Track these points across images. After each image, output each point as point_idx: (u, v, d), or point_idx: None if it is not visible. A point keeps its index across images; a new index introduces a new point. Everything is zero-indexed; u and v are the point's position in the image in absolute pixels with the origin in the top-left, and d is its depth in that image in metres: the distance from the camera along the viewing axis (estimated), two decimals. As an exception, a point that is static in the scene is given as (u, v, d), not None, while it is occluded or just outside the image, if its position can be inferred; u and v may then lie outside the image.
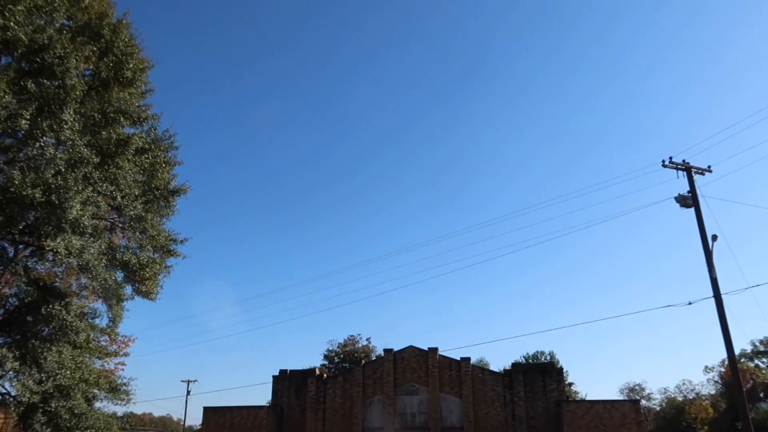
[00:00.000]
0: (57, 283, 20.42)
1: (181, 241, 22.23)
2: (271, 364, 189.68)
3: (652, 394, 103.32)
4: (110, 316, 20.86)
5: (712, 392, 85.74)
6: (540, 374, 39.90)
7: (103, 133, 16.27)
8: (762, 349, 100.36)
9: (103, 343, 23.89)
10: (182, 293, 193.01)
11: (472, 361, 42.19)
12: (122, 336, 23.08)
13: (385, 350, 42.52)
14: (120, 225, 20.57)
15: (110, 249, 18.83)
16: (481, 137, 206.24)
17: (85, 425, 17.32)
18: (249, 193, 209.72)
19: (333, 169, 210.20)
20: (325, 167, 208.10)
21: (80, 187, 14.78)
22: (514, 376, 39.80)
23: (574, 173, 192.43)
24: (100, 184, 15.87)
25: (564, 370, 39.80)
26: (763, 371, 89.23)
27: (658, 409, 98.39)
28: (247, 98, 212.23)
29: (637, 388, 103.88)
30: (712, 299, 17.34)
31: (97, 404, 20.29)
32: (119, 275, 19.84)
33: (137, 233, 19.56)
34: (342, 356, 71.94)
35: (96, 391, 19.45)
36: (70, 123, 14.69)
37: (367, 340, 74.23)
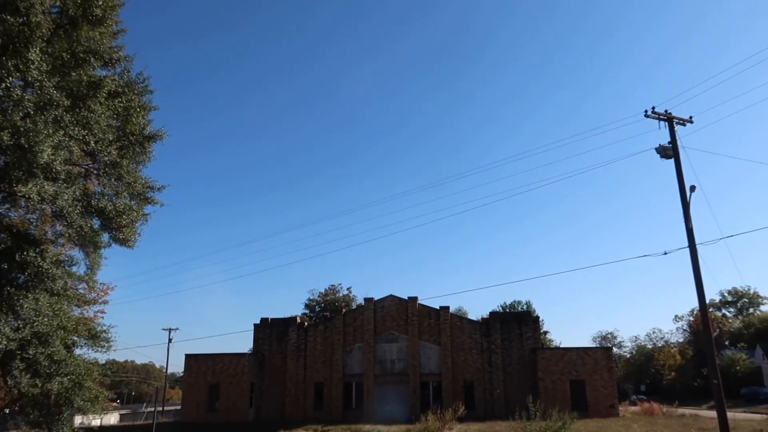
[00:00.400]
0: (31, 231, 19.99)
1: (159, 189, 21.72)
2: (252, 313, 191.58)
3: (623, 342, 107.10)
4: (87, 264, 20.55)
5: (681, 340, 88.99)
6: (517, 322, 40.86)
7: (73, 74, 15.59)
8: (729, 299, 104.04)
9: (82, 291, 23.66)
10: (164, 242, 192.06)
11: (451, 310, 43.00)
12: (100, 284, 22.81)
13: (365, 299, 43.05)
14: (95, 171, 20.01)
15: (85, 196, 18.37)
16: (478, 96, 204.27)
17: (65, 371, 17.28)
18: (237, 147, 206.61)
19: (324, 123, 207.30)
20: (316, 122, 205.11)
21: (51, 131, 14.23)
22: (491, 324, 40.70)
23: (554, 126, 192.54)
24: (72, 127, 15.31)
25: (540, 319, 40.87)
26: (729, 320, 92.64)
27: (628, 356, 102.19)
28: (242, 49, 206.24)
29: (609, 336, 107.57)
30: (687, 249, 17.62)
31: (78, 351, 20.23)
32: (95, 223, 19.52)
33: (113, 180, 19.07)
34: (323, 305, 72.76)
35: (75, 338, 19.35)
36: (37, 63, 14.02)
37: (347, 289, 74.98)
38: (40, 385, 16.28)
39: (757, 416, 37.49)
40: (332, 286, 75.57)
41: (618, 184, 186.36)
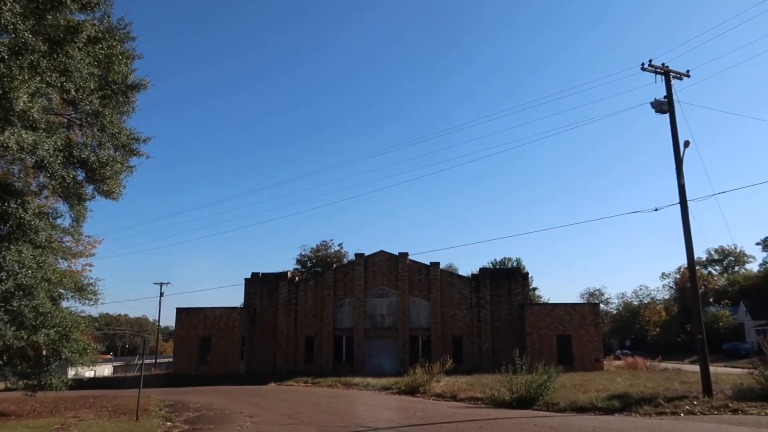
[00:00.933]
0: (14, 182, 19.57)
1: (144, 140, 21.31)
2: (245, 270, 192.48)
3: (610, 298, 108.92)
4: (73, 216, 20.27)
5: (666, 297, 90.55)
6: (506, 279, 41.21)
7: (49, 17, 14.92)
8: (716, 257, 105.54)
9: (68, 244, 23.38)
10: (155, 194, 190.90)
11: (441, 266, 43.23)
12: (86, 236, 22.48)
13: (356, 254, 43.15)
14: (78, 122, 19.49)
15: (68, 146, 17.93)
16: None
17: (51, 323, 17.19)
18: (226, 100, 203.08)
19: (316, 78, 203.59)
20: (307, 77, 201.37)
21: (26, 77, 13.69)
22: (481, 280, 41.04)
23: (549, 78, 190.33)
24: (49, 74, 14.72)
25: (529, 276, 41.11)
26: (715, 278, 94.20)
27: (614, 312, 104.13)
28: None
29: (596, 293, 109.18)
30: (678, 206, 17.53)
31: (65, 304, 20.10)
32: (79, 174, 19.16)
33: (95, 130, 18.58)
34: (314, 261, 73.18)
35: (62, 290, 19.20)
36: (10, 4, 13.37)
37: (339, 245, 75.30)
38: (25, 338, 16.20)
39: (738, 370, 38.42)
40: (324, 242, 75.86)
41: (606, 139, 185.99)
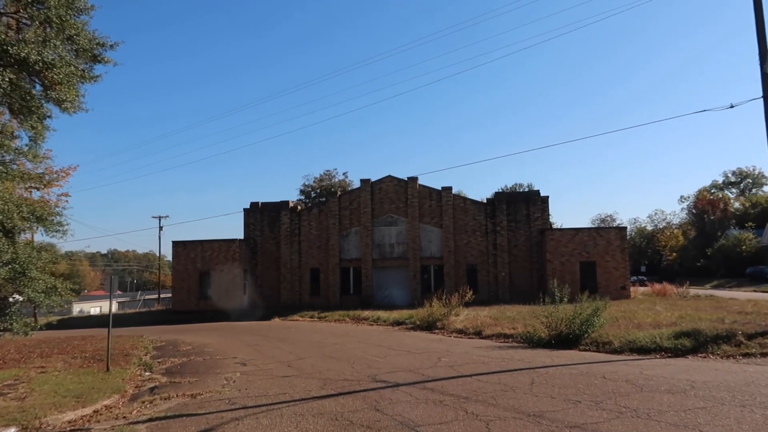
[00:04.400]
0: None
1: (111, 46, 18.00)
2: (245, 200, 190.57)
3: (622, 224, 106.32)
4: (30, 135, 17.13)
5: (684, 221, 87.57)
6: (524, 202, 38.13)
7: None
8: (733, 179, 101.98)
9: (30, 167, 20.25)
10: (148, 116, 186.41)
11: (453, 192, 40.10)
12: (43, 156, 19.37)
13: (362, 180, 39.97)
14: (14, 16, 15.97)
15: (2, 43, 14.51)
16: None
17: (4, 260, 14.38)
18: (219, 15, 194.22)
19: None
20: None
21: None
22: (496, 205, 38.01)
23: None
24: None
25: (548, 198, 37.94)
26: (732, 201, 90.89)
27: (628, 238, 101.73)
28: None
29: (608, 218, 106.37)
30: (762, 100, 14.07)
31: (40, 239, 17.18)
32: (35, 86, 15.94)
33: (36, 23, 15.11)
34: (318, 191, 70.28)
35: (17, 222, 16.28)
36: None
37: (343, 174, 72.29)
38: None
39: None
40: (328, 171, 72.74)
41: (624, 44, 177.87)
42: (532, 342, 15.26)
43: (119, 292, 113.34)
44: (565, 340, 14.62)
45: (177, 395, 10.06)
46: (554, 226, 71.94)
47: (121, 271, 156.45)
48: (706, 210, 76.33)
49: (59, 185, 26.09)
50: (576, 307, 15.25)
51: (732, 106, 14.34)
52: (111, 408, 9.44)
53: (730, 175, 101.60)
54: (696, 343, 12.48)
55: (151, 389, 11.39)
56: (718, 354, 11.80)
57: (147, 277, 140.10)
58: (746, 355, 11.50)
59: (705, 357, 11.76)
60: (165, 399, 9.84)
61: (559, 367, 10.80)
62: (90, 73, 18.69)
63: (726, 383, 8.54)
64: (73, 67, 16.05)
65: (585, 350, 13.69)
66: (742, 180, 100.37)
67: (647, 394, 7.99)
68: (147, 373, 13.84)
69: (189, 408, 8.89)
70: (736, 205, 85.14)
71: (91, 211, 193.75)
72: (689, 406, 7.17)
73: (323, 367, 12.38)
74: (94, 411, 9.23)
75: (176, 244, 40.40)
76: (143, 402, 9.74)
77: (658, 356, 12.15)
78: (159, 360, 16.04)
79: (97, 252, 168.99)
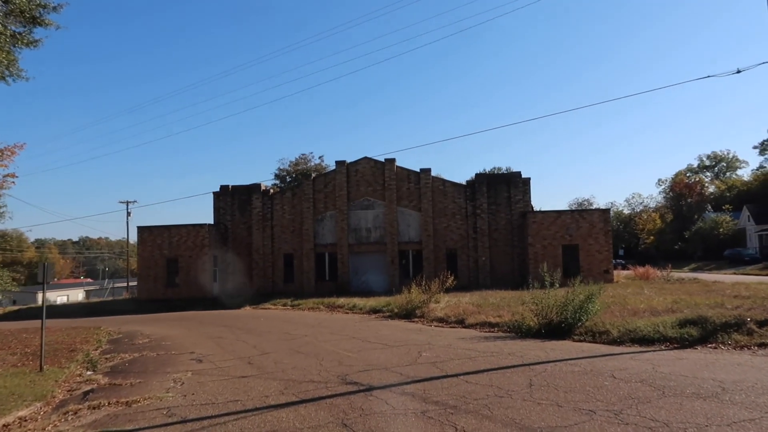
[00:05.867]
0: None
1: (55, 8, 16.23)
2: (216, 184, 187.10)
3: (599, 207, 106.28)
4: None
5: (660, 204, 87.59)
6: (505, 184, 36.85)
7: None
8: (708, 163, 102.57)
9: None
10: (103, 95, 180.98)
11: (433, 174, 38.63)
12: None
13: (337, 162, 38.25)
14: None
15: None
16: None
17: None
18: None
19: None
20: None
21: None
22: (477, 187, 36.66)
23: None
24: None
25: (530, 181, 36.70)
26: (707, 184, 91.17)
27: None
28: None
29: (585, 202, 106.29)
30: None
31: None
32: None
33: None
34: (294, 175, 68.35)
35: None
36: None
37: (319, 158, 70.47)
38: None
39: (758, 278, 35.47)
40: (303, 155, 70.85)
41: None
42: (521, 332, 13.94)
43: (89, 280, 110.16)
44: (556, 329, 13.33)
45: (110, 403, 8.46)
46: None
47: (93, 258, 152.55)
48: (684, 193, 76.26)
49: (4, 165, 23.76)
50: (567, 292, 13.96)
51: (739, 71, 13.04)
52: (25, 421, 7.81)
53: (704, 159, 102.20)
54: (703, 332, 11.25)
55: (85, 394, 9.76)
56: (729, 344, 10.59)
57: (120, 264, 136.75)
58: (762, 345, 10.30)
59: (715, 348, 10.53)
60: (94, 408, 8.24)
61: (557, 363, 9.43)
62: (29, 36, 16.87)
63: (762, 384, 7.25)
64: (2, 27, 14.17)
65: (580, 341, 12.41)
66: (717, 164, 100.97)
67: (672, 399, 6.64)
68: (89, 373, 12.19)
69: (118, 421, 7.32)
70: (711, 188, 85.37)
71: (61, 196, 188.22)
72: (732, 416, 5.82)
73: (288, 364, 10.87)
74: (3, 425, 7.60)
75: (142, 230, 38.34)
76: (66, 413, 8.11)
77: (663, 347, 10.89)
78: (108, 356, 14.37)
79: (69, 239, 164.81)
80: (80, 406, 8.46)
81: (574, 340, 12.53)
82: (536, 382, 7.87)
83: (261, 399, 7.88)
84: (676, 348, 10.75)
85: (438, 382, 8.30)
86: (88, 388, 10.36)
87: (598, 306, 13.96)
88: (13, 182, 24.44)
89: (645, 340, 11.40)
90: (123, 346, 16.23)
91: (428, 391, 7.66)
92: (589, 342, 12.12)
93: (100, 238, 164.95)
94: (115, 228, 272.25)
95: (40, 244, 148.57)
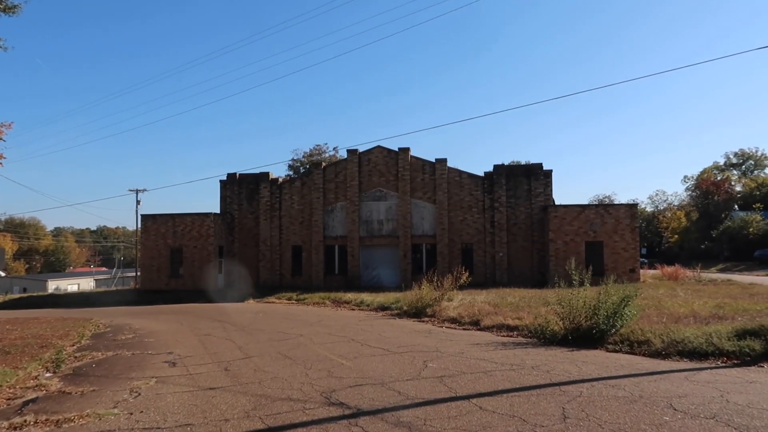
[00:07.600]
0: None
1: None
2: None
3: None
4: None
5: (685, 202, 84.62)
6: (525, 177, 34.85)
7: None
8: (735, 161, 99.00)
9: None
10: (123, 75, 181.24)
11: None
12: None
13: (348, 151, 36.53)
14: None
15: None
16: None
17: None
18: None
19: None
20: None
21: None
22: (495, 179, 34.69)
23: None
24: None
25: (552, 173, 34.64)
26: (733, 183, 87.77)
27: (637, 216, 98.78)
28: None
29: (606, 199, 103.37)
30: None
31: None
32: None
33: None
34: (308, 166, 66.91)
35: None
36: None
37: (334, 149, 68.89)
38: None
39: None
40: (318, 146, 69.38)
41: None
42: (544, 337, 12.13)
43: (102, 269, 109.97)
44: (586, 335, 11.50)
45: (38, 421, 6.86)
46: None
47: (110, 248, 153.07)
48: (710, 191, 73.30)
49: (-1, 140, 22.42)
50: (599, 293, 12.09)
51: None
52: None
53: (731, 156, 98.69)
54: (767, 345, 9.34)
55: (24, 404, 8.17)
56: (804, 362, 8.67)
57: (134, 254, 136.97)
58: None
59: (787, 366, 8.63)
60: (15, 430, 6.62)
61: (593, 383, 7.60)
62: (5, 2, 15.35)
63: None
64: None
65: (615, 351, 10.56)
66: (745, 162, 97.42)
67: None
68: (47, 375, 10.63)
69: (32, 451, 5.68)
70: (738, 187, 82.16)
71: (81, 185, 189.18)
72: None
73: (269, 373, 9.19)
74: None
75: (145, 218, 37.05)
76: (-20, 434, 6.51)
77: (719, 363, 9.02)
78: (80, 354, 12.84)
79: (87, 228, 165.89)
80: (7, 423, 6.86)
81: (607, 350, 10.69)
82: (571, 412, 6.08)
83: (217, 424, 6.20)
84: (736, 365, 8.87)
85: (444, 406, 6.53)
86: (33, 396, 8.77)
87: (635, 310, 12.08)
88: (1, 164, 23.09)
89: (695, 354, 9.52)
90: (103, 342, 14.75)
91: (430, 422, 5.89)
92: (627, 353, 10.27)
93: (117, 228, 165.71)
94: (121, 217, 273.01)
95: (57, 232, 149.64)
